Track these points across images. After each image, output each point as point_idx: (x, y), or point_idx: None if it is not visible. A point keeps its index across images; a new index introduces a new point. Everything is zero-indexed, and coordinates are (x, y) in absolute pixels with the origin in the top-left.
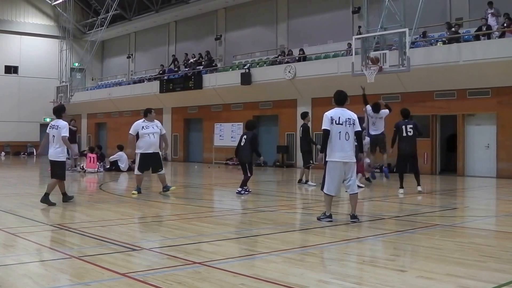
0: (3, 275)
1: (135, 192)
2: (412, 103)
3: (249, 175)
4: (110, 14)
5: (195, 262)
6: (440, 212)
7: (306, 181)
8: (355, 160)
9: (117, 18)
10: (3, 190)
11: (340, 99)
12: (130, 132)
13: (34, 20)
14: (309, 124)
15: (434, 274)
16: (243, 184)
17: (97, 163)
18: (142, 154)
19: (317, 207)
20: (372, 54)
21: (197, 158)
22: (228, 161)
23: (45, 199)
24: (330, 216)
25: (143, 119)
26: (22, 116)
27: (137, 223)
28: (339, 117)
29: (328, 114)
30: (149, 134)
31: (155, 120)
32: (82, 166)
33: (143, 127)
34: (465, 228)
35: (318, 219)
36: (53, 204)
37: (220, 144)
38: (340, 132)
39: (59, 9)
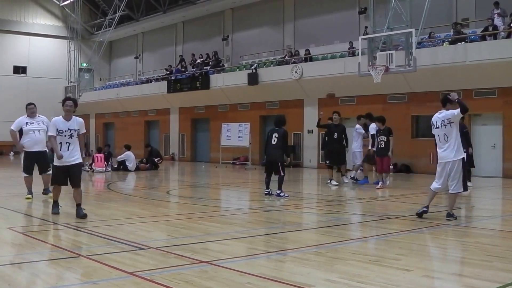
0: (12, 273)
1: (29, 196)
2: (418, 103)
3: (282, 174)
4: (118, 14)
5: (202, 261)
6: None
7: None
8: (457, 158)
9: (124, 19)
10: (12, 189)
11: (442, 100)
12: (11, 127)
13: (42, 21)
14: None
15: (440, 273)
16: (281, 185)
17: (104, 162)
18: (26, 153)
19: (323, 207)
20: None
21: (204, 158)
22: (235, 161)
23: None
24: (424, 209)
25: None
26: None
27: (144, 222)
28: (436, 121)
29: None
30: (34, 130)
31: (41, 116)
32: (90, 166)
33: (27, 123)
34: (471, 228)
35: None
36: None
37: (227, 144)
38: (438, 135)
39: (67, 10)
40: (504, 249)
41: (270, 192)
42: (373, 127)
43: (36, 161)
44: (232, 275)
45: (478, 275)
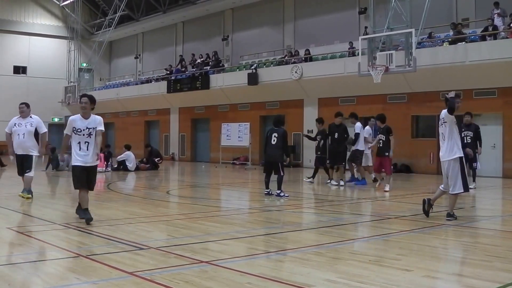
0: (12, 273)
1: (29, 196)
2: (418, 103)
3: (281, 174)
4: (118, 14)
5: (202, 261)
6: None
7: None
8: (450, 157)
9: (124, 19)
10: (12, 189)
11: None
12: (5, 129)
13: (42, 21)
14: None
15: (440, 273)
16: (281, 185)
17: (104, 162)
18: (16, 156)
19: (323, 207)
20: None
21: (204, 158)
22: (235, 161)
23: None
24: (425, 199)
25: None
26: None
27: (144, 222)
28: (439, 120)
29: None
30: (19, 134)
31: (32, 117)
32: None
33: (15, 125)
34: (471, 228)
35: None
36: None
37: (227, 144)
38: (439, 134)
39: (67, 10)
40: (504, 249)
41: (270, 192)
42: (358, 126)
43: (21, 162)
44: (232, 275)
45: (478, 275)
